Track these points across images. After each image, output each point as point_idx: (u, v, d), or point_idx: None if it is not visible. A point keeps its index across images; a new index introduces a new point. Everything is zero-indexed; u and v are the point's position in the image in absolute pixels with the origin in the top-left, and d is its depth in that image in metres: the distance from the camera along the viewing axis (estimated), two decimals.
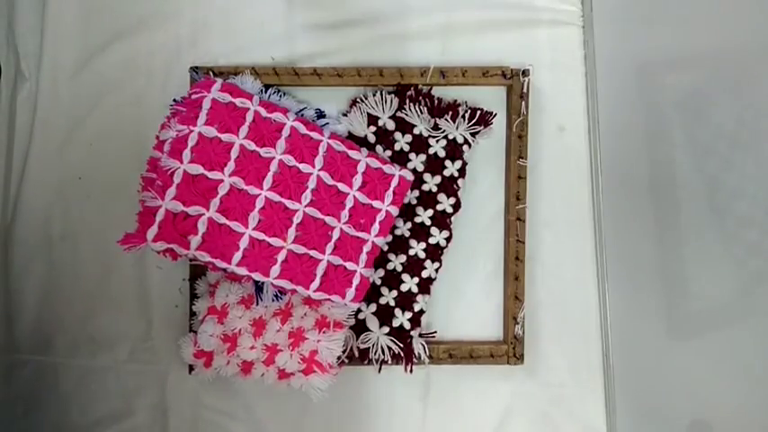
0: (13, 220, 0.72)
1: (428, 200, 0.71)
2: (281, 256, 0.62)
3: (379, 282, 0.70)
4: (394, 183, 0.68)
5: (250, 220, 0.62)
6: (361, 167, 0.67)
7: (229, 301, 0.67)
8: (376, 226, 0.67)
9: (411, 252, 0.71)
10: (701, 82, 0.66)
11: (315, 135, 0.66)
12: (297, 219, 0.63)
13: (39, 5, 0.72)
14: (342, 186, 0.66)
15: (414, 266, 0.71)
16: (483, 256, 0.74)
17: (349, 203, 0.66)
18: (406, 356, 0.70)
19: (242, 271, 0.62)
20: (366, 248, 0.66)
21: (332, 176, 0.65)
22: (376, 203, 0.67)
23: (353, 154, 0.67)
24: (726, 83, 0.63)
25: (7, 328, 0.72)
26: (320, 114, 0.70)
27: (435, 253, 0.71)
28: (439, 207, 0.71)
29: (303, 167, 0.65)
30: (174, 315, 0.72)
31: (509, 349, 0.71)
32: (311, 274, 0.63)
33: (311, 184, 0.65)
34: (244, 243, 0.62)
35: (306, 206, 0.64)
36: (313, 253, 0.64)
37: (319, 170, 0.65)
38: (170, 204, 0.59)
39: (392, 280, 0.70)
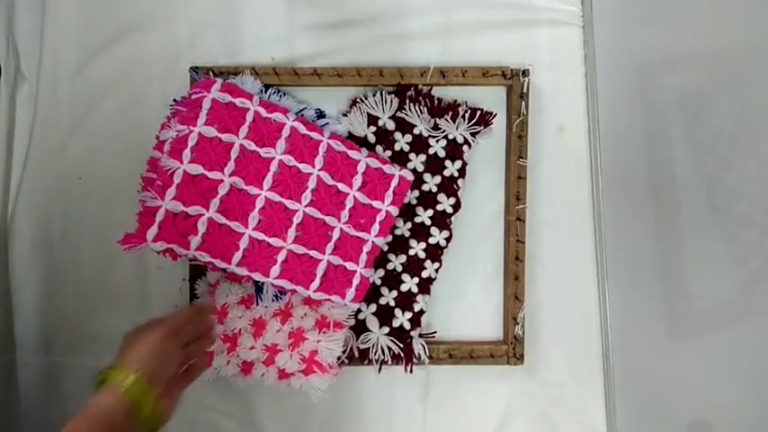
0: (14, 219, 0.72)
1: (428, 200, 0.71)
2: (281, 257, 0.62)
3: (379, 282, 0.70)
4: (394, 183, 0.68)
5: (250, 221, 0.62)
6: (361, 167, 0.67)
7: (229, 301, 0.67)
8: (376, 226, 0.66)
9: (411, 252, 0.71)
10: (700, 82, 0.66)
11: (315, 135, 0.66)
12: (297, 219, 0.63)
13: (39, 5, 0.72)
14: (342, 186, 0.66)
15: (414, 266, 0.71)
16: (483, 256, 0.74)
17: (349, 203, 0.66)
18: (406, 357, 0.70)
19: (242, 271, 0.62)
20: (366, 248, 0.66)
21: (332, 176, 0.65)
22: (376, 203, 0.67)
23: (353, 154, 0.67)
24: (726, 83, 0.63)
25: (8, 327, 0.72)
26: (320, 114, 0.70)
27: (435, 253, 0.71)
28: (439, 207, 0.71)
29: (303, 167, 0.65)
30: None
31: (509, 349, 0.71)
32: (311, 274, 0.63)
33: (311, 184, 0.65)
34: (244, 243, 0.62)
35: (306, 206, 0.64)
36: (313, 253, 0.64)
37: (319, 170, 0.65)
38: (170, 204, 0.59)
39: (392, 280, 0.70)
